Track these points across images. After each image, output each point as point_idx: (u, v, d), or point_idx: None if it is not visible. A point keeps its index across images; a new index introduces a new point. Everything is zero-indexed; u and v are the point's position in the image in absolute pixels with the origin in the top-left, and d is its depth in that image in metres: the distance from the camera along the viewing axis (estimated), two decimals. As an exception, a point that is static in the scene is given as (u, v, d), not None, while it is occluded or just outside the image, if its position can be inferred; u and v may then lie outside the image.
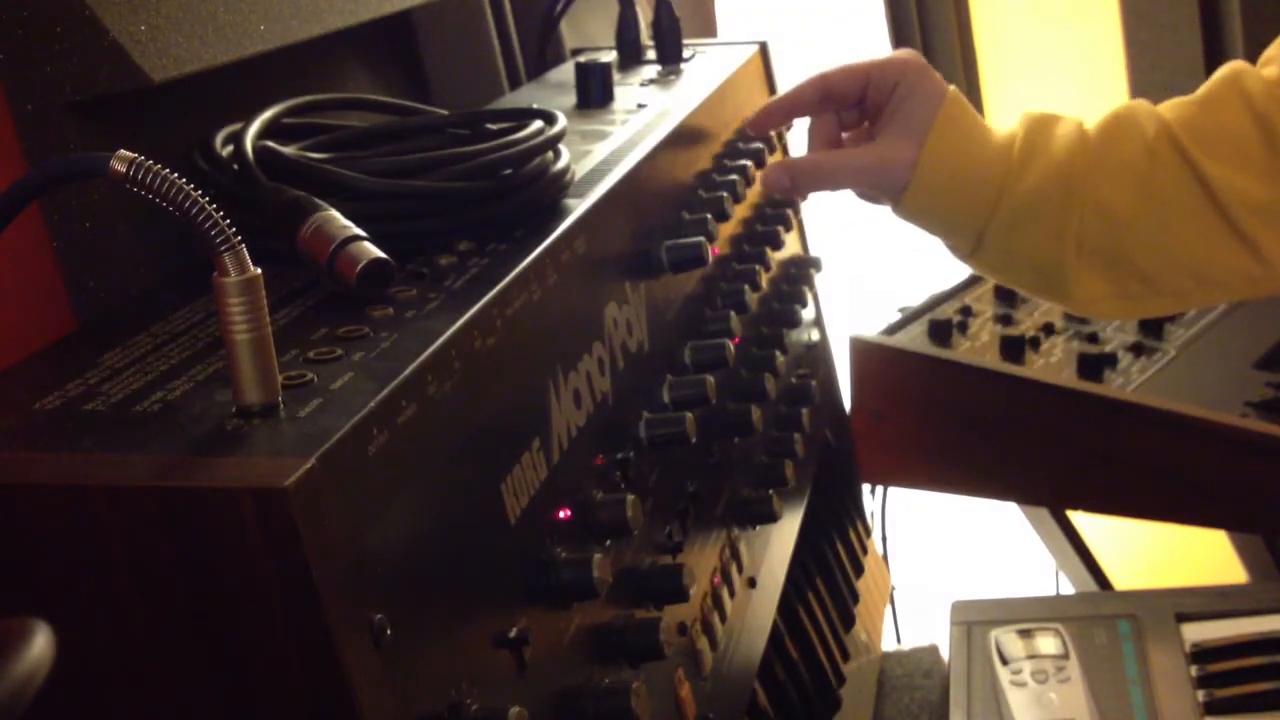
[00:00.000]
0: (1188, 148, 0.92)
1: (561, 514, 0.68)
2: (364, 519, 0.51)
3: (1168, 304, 0.98)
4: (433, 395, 0.57)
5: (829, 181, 0.96)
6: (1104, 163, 0.92)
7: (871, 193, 0.98)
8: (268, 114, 0.80)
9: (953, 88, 0.94)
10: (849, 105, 0.97)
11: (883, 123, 0.95)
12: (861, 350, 1.48)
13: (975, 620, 1.24)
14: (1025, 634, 1.20)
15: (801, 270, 1.23)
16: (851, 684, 1.15)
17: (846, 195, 1.01)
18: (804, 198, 1.08)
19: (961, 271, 1.71)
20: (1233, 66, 0.95)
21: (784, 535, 1.08)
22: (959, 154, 0.93)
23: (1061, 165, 0.92)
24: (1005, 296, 1.60)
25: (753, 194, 1.11)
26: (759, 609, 0.97)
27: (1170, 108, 0.94)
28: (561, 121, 0.82)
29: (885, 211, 0.99)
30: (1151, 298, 0.95)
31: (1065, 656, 1.17)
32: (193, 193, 0.50)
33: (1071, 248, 0.92)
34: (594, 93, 1.10)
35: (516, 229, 0.75)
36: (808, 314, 1.21)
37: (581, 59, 1.13)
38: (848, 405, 1.47)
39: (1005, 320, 1.55)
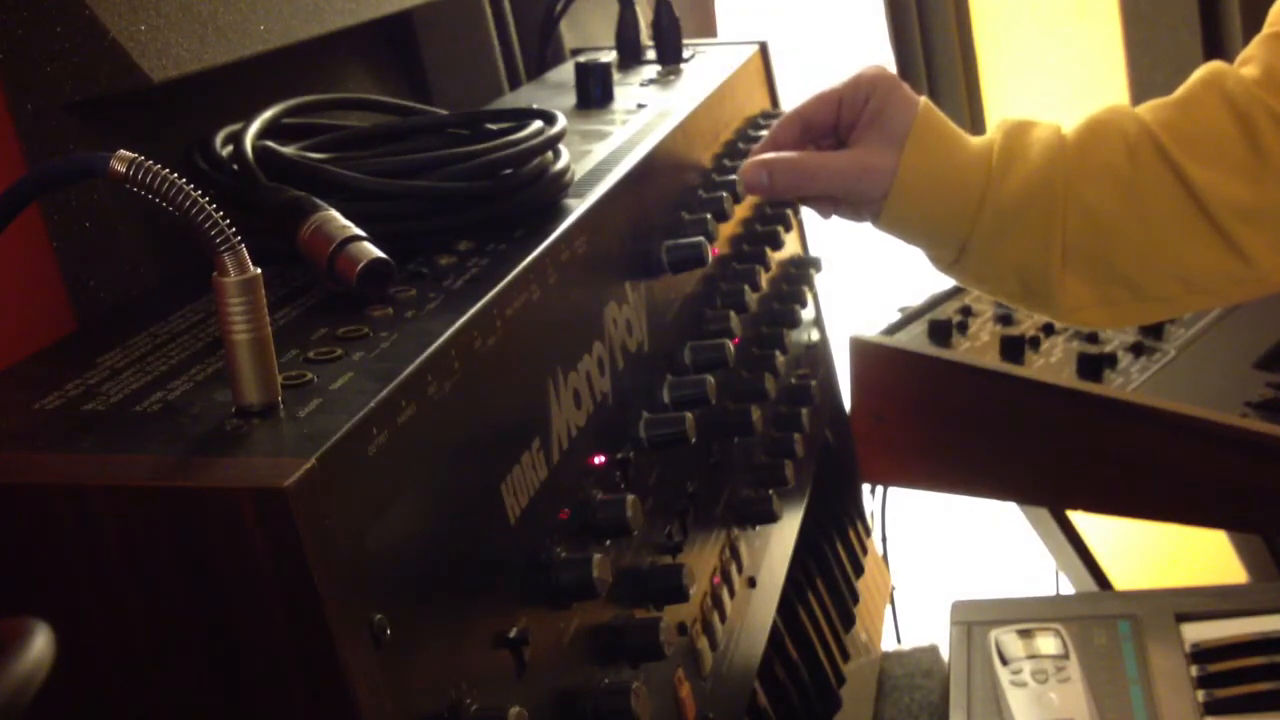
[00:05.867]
0: (1169, 150, 0.91)
1: (561, 514, 0.68)
2: (364, 519, 0.51)
3: (1155, 310, 0.96)
4: (433, 395, 0.57)
5: (808, 181, 0.94)
6: (1085, 166, 0.92)
7: (851, 209, 0.96)
8: (268, 114, 0.80)
9: (924, 98, 0.93)
10: (825, 134, 0.97)
11: (858, 134, 0.93)
12: (861, 350, 1.48)
13: (975, 620, 1.24)
14: (1025, 634, 1.20)
15: (801, 270, 1.23)
16: (851, 684, 1.15)
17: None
18: (781, 197, 1.07)
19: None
20: (1211, 67, 0.94)
21: (784, 535, 1.08)
22: (938, 160, 0.92)
23: (1043, 170, 0.91)
24: (1005, 296, 1.60)
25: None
26: (759, 609, 0.97)
27: (1149, 109, 0.94)
28: (561, 121, 0.82)
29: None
30: (1137, 304, 0.95)
31: (1065, 656, 1.17)
32: (193, 193, 0.50)
33: (1057, 253, 0.92)
34: (594, 93, 1.10)
35: (516, 229, 0.75)
36: (808, 314, 1.21)
37: (581, 59, 1.13)
38: (848, 405, 1.47)
39: (1005, 320, 1.55)
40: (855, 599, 1.25)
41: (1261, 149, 0.90)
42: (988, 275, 0.96)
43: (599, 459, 0.74)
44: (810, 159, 0.94)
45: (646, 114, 1.03)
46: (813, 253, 1.33)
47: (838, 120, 0.95)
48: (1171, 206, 0.91)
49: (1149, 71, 2.11)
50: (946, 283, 1.63)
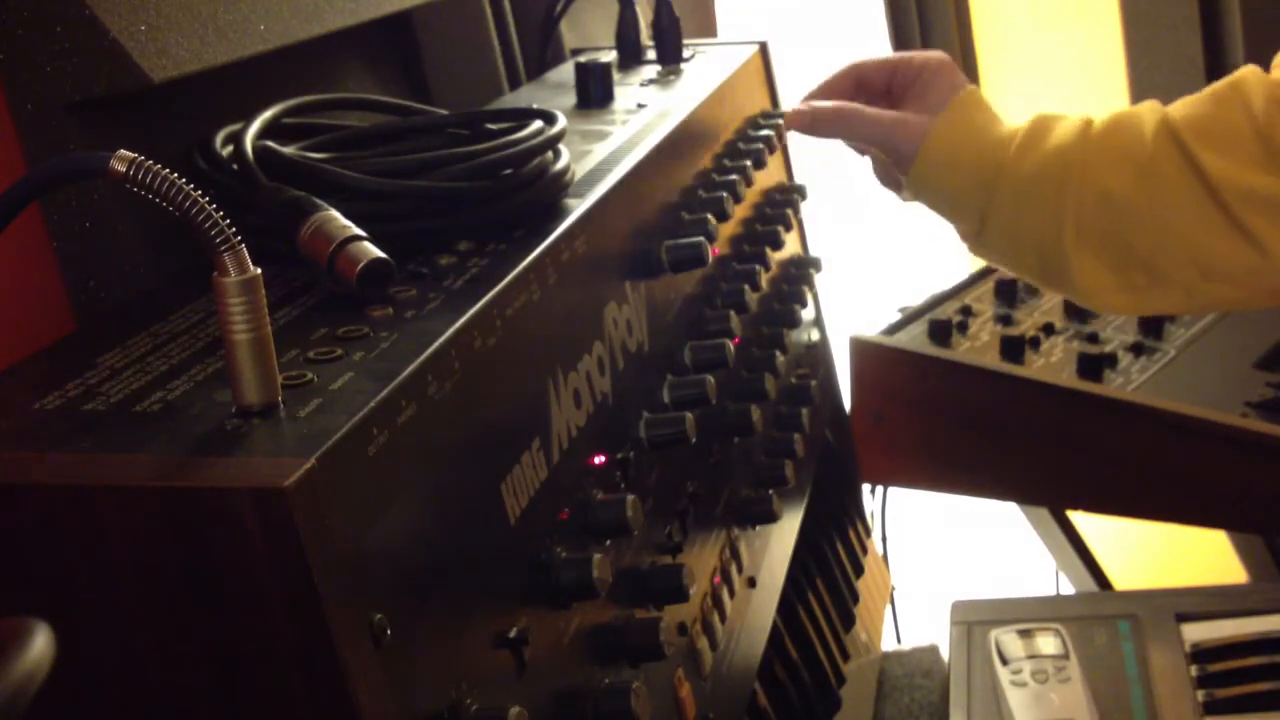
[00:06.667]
0: (1183, 136, 0.95)
1: (561, 514, 0.68)
2: (364, 519, 0.51)
3: (1175, 298, 0.98)
4: (433, 395, 0.57)
5: (847, 126, 1.03)
6: (1104, 150, 0.97)
7: (888, 170, 1.04)
8: (268, 114, 0.80)
9: (973, 86, 1.00)
10: (877, 95, 1.05)
11: (905, 100, 1.03)
12: (861, 350, 1.48)
13: (975, 620, 1.24)
14: (1025, 634, 1.20)
15: (801, 270, 1.23)
16: (851, 684, 1.15)
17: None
18: (820, 136, 1.11)
19: (961, 271, 1.71)
20: (1244, 69, 0.97)
21: (784, 535, 1.07)
22: (967, 131, 0.99)
23: (1061, 151, 0.97)
24: (1005, 296, 1.60)
25: (752, 194, 1.11)
26: (759, 609, 0.97)
27: (1176, 105, 0.98)
28: (561, 121, 0.82)
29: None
30: (1157, 290, 0.97)
31: (1065, 656, 1.17)
32: (193, 193, 0.50)
33: (1070, 230, 0.95)
34: (594, 93, 1.10)
35: (516, 229, 0.75)
36: (808, 314, 1.21)
37: (581, 59, 1.13)
38: (848, 405, 1.47)
39: (1005, 320, 1.55)
40: (855, 599, 1.25)
41: (1273, 147, 0.92)
42: (1008, 250, 1.01)
43: (599, 459, 0.74)
44: (852, 108, 1.04)
45: (646, 114, 1.03)
46: (813, 253, 1.33)
47: (890, 85, 1.03)
48: (1185, 192, 0.94)
49: (1149, 71, 2.11)
50: (947, 283, 1.63)
